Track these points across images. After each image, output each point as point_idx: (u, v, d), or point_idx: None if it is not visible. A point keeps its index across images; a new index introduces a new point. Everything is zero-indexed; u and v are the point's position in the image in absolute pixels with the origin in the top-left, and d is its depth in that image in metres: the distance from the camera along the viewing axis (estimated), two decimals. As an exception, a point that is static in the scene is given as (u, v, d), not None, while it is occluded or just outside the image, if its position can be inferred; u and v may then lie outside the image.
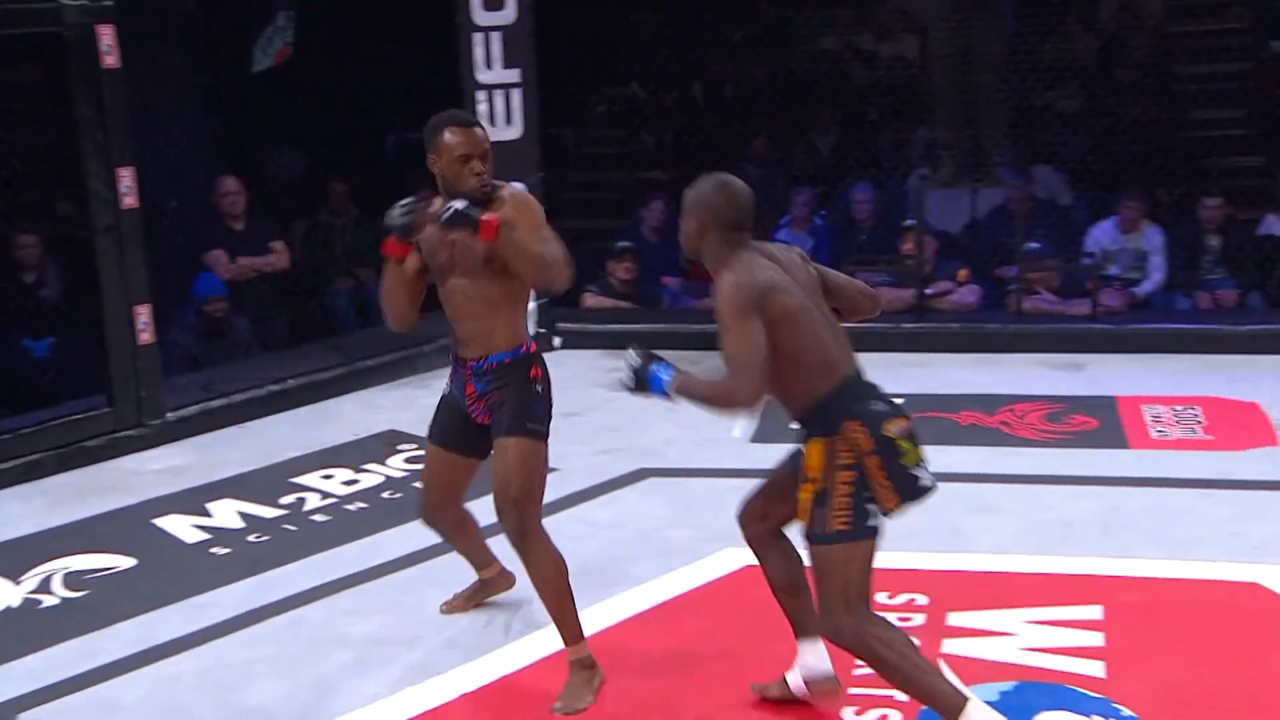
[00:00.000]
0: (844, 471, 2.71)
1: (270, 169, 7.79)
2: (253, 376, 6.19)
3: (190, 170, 6.85)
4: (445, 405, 3.38)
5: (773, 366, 2.73)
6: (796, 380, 2.79)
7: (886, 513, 2.75)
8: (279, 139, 7.48)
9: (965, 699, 2.68)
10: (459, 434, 3.33)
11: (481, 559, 3.67)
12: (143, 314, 5.55)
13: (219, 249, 6.75)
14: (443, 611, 3.71)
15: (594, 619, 3.59)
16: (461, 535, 3.60)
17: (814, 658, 3.02)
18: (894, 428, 2.77)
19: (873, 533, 2.73)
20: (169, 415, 5.72)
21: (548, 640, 3.46)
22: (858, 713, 2.99)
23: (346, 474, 5.07)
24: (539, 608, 3.54)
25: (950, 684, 2.72)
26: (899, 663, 2.69)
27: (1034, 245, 6.86)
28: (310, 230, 7.57)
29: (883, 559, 3.89)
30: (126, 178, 5.44)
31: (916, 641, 2.86)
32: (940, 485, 4.51)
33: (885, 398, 2.89)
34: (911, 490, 2.76)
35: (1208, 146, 7.35)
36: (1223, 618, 3.44)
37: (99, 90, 5.31)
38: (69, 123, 5.31)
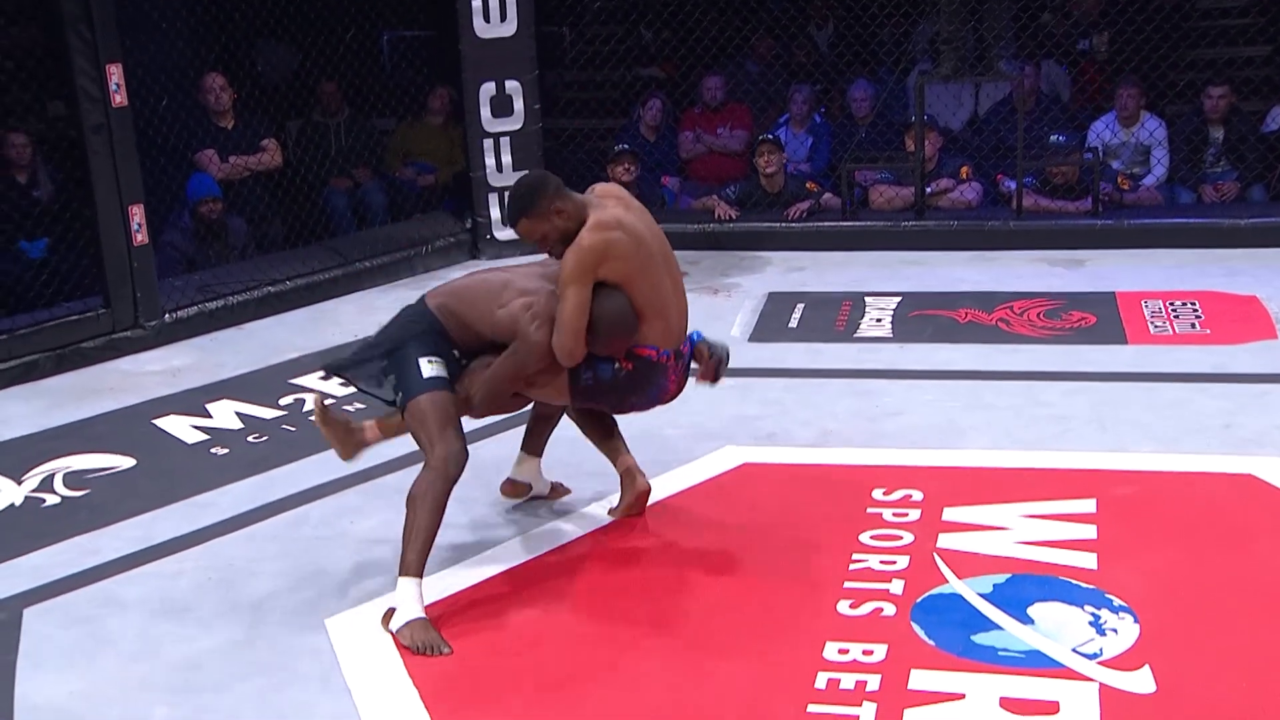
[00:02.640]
0: None
1: (261, 67, 7.66)
2: (249, 278, 6.17)
3: (181, 69, 6.73)
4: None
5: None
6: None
7: None
8: (269, 36, 7.34)
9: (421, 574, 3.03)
10: None
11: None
12: (136, 214, 5.50)
13: (210, 148, 6.67)
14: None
15: (591, 520, 3.62)
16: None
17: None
18: None
19: None
20: (166, 317, 5.71)
21: (543, 541, 3.49)
22: (852, 605, 3.02)
23: (345, 374, 5.07)
24: (538, 520, 3.57)
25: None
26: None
27: (1060, 137, 6.76)
28: (304, 130, 7.48)
29: (879, 455, 3.96)
30: (115, 75, 5.35)
31: None
32: (937, 383, 4.58)
33: None
34: None
35: (1213, 36, 7.23)
36: (1214, 509, 3.45)
37: (83, -17, 5.21)
38: (55, 18, 5.21)
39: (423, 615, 3.02)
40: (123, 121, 5.42)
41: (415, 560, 3.06)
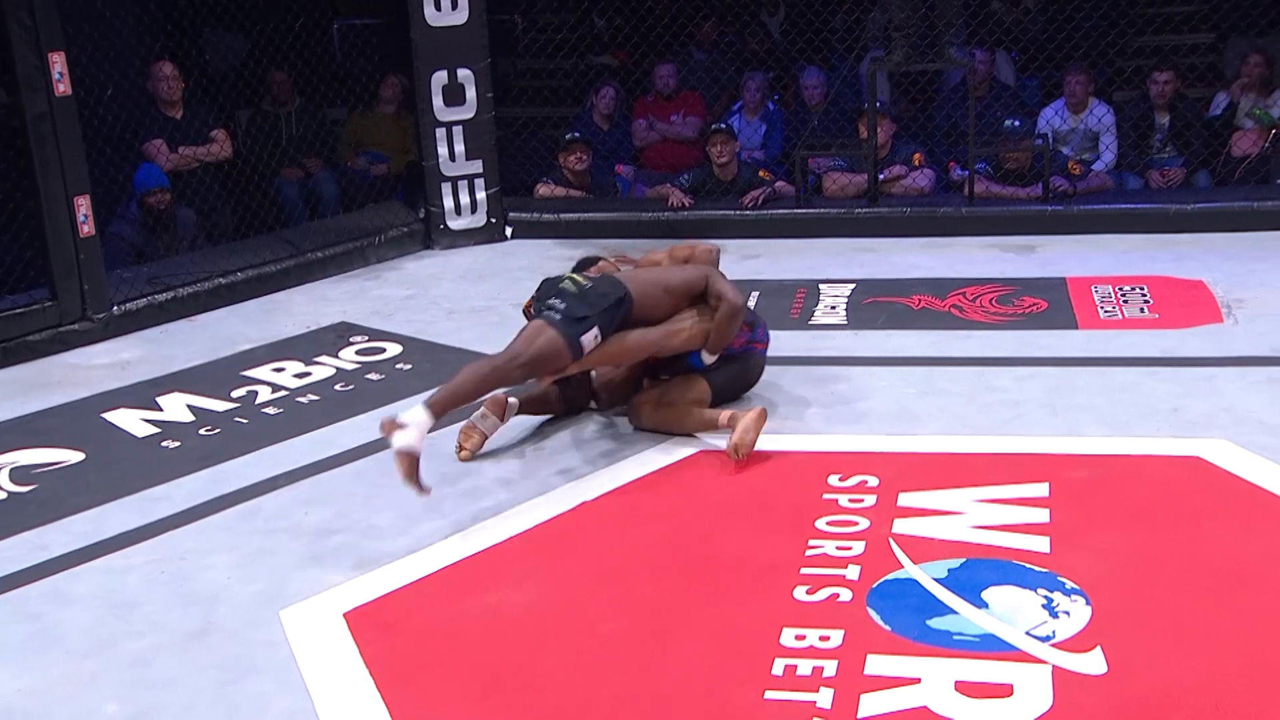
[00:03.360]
0: None
1: (209, 55, 7.57)
2: (200, 269, 6.10)
3: (126, 57, 6.63)
4: None
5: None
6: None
7: None
8: (217, 24, 7.25)
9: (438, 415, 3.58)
10: None
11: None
12: (83, 205, 5.42)
13: (158, 138, 6.58)
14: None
15: (546, 507, 3.61)
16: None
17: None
18: None
19: None
20: (114, 309, 5.63)
21: (497, 531, 3.48)
22: (809, 591, 3.03)
23: (297, 366, 5.03)
24: (494, 505, 3.56)
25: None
26: None
27: (1015, 122, 6.81)
28: (254, 119, 7.40)
29: (834, 441, 3.97)
30: (58, 63, 5.27)
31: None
32: (891, 369, 4.60)
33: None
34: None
35: (1158, 23, 7.30)
36: (1164, 492, 3.50)
37: (23, -30, 5.11)
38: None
39: (415, 451, 3.45)
40: (67, 111, 5.34)
41: (440, 398, 3.61)
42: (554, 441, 4.12)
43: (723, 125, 7.15)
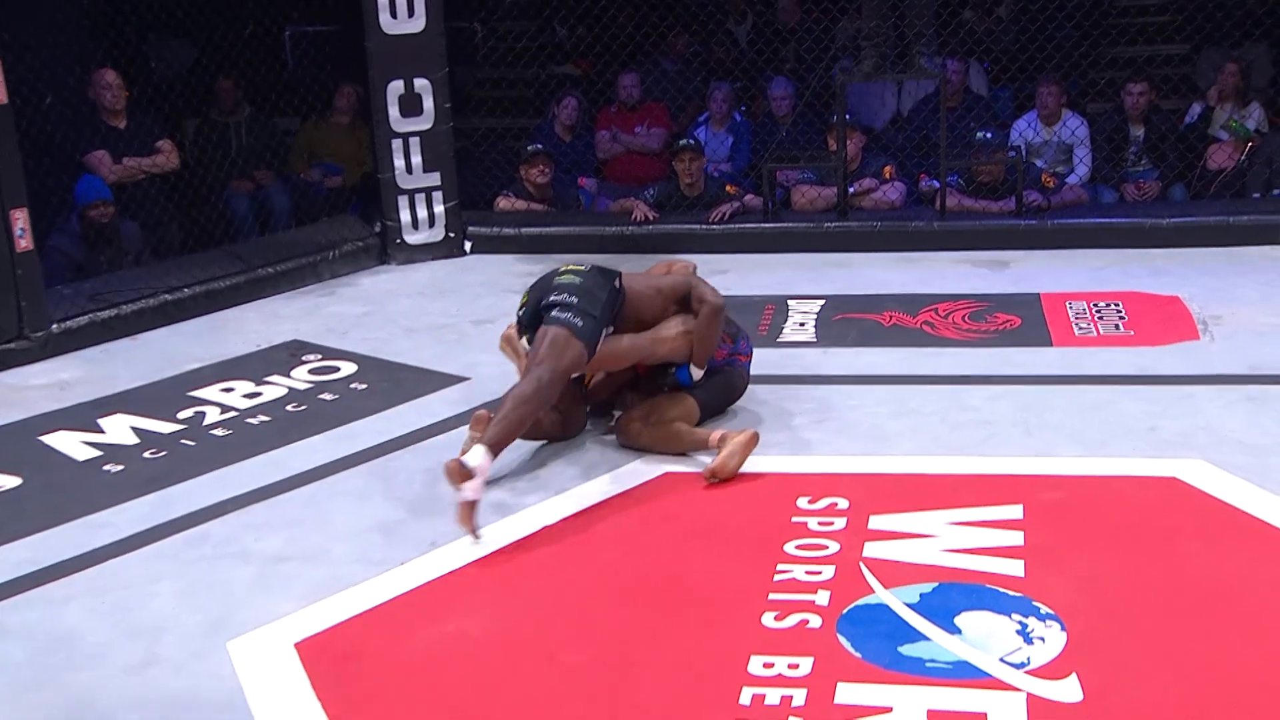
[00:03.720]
0: None
1: (154, 62, 7.54)
2: (144, 285, 6.05)
3: (66, 64, 6.59)
4: None
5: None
6: None
7: None
8: (163, 30, 7.23)
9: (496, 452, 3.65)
10: None
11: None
12: (20, 219, 5.37)
13: (101, 149, 6.53)
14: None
15: (504, 533, 3.60)
16: None
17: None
18: None
19: None
20: (54, 327, 5.58)
21: (455, 557, 3.46)
22: (777, 618, 3.03)
23: (247, 386, 5.00)
24: (452, 530, 3.56)
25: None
26: None
27: (987, 134, 6.87)
28: (201, 129, 7.37)
29: (803, 463, 3.98)
30: (-6, 70, 5.22)
31: None
32: (862, 388, 4.62)
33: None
34: None
35: (1131, 34, 7.40)
36: (1140, 513, 3.52)
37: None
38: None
39: (473, 498, 3.50)
40: (3, 119, 5.28)
41: (496, 437, 3.64)
42: (515, 463, 4.11)
43: (690, 141, 7.17)
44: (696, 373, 4.17)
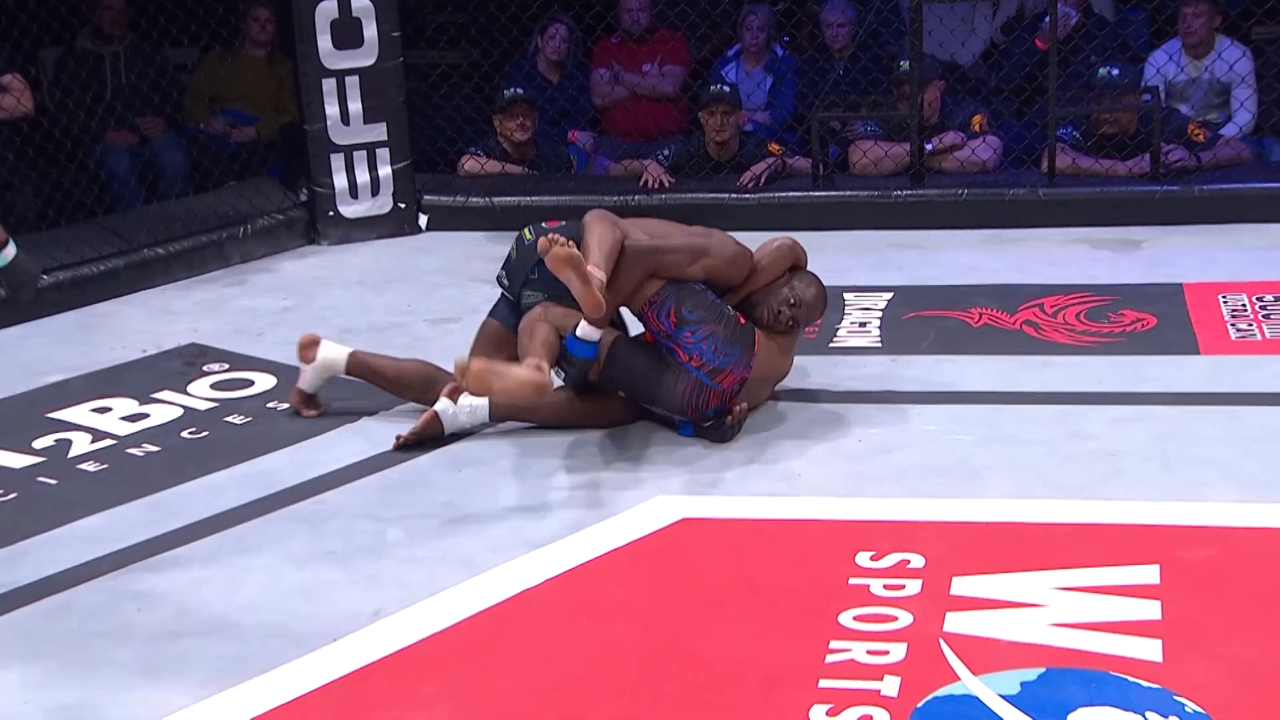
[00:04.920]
0: None
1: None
2: (-9, 271, 6.05)
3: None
4: None
5: None
6: None
7: None
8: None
9: None
10: None
11: None
12: None
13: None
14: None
15: (491, 586, 3.59)
16: None
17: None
18: None
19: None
20: None
21: (402, 631, 3.46)
22: (831, 713, 3.02)
23: (129, 406, 5.02)
24: (401, 592, 3.58)
25: None
26: None
27: (1113, 71, 6.85)
28: (65, 62, 7.35)
29: (865, 507, 3.97)
30: None
31: None
32: (942, 408, 4.61)
33: None
34: None
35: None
36: (1318, 578, 3.51)
37: None
38: None
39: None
40: None
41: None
42: (480, 494, 4.11)
43: (723, 89, 7.15)
44: (588, 332, 4.31)
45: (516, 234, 4.74)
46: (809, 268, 4.74)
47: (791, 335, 4.69)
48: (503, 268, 4.72)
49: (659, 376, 4.45)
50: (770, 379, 4.66)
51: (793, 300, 4.59)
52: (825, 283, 4.49)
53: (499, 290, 4.74)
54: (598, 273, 4.17)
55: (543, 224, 4.68)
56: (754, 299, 4.61)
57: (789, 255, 4.69)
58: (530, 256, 4.50)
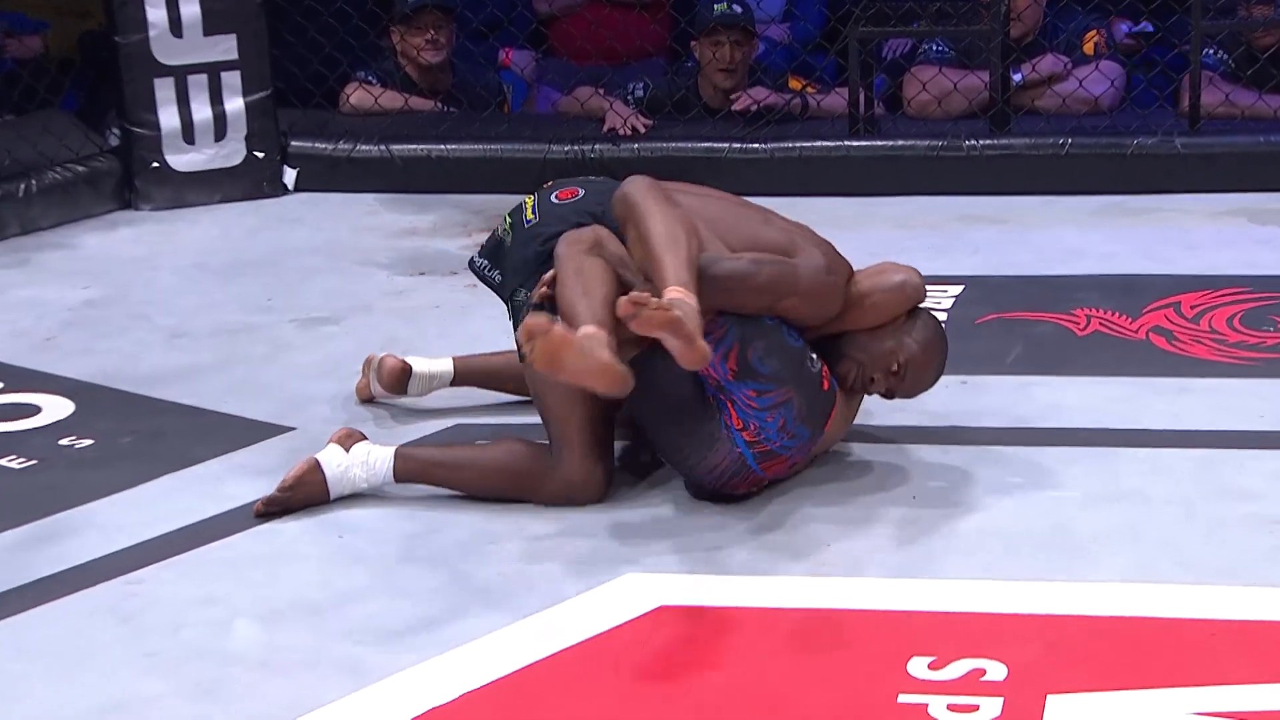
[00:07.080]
0: None
1: None
2: None
3: None
4: None
5: None
6: None
7: None
8: None
9: None
10: None
11: None
12: None
13: None
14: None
15: (409, 697, 3.61)
16: None
17: None
18: None
19: None
20: None
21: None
22: None
23: None
24: (246, 715, 3.59)
25: None
26: None
27: None
28: None
29: (923, 592, 3.98)
30: None
31: None
32: (1033, 451, 4.62)
33: None
34: None
35: None
36: None
37: None
38: None
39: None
40: None
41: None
42: (367, 569, 4.11)
43: (735, 7, 7.14)
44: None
45: (513, 206, 4.61)
46: (843, 248, 4.66)
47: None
48: (484, 255, 4.64)
49: (690, 432, 4.39)
50: (820, 452, 4.62)
51: (897, 367, 4.44)
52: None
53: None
54: (689, 299, 4.01)
55: (552, 196, 4.58)
56: (842, 349, 4.48)
57: (913, 297, 4.55)
58: (535, 247, 4.43)
